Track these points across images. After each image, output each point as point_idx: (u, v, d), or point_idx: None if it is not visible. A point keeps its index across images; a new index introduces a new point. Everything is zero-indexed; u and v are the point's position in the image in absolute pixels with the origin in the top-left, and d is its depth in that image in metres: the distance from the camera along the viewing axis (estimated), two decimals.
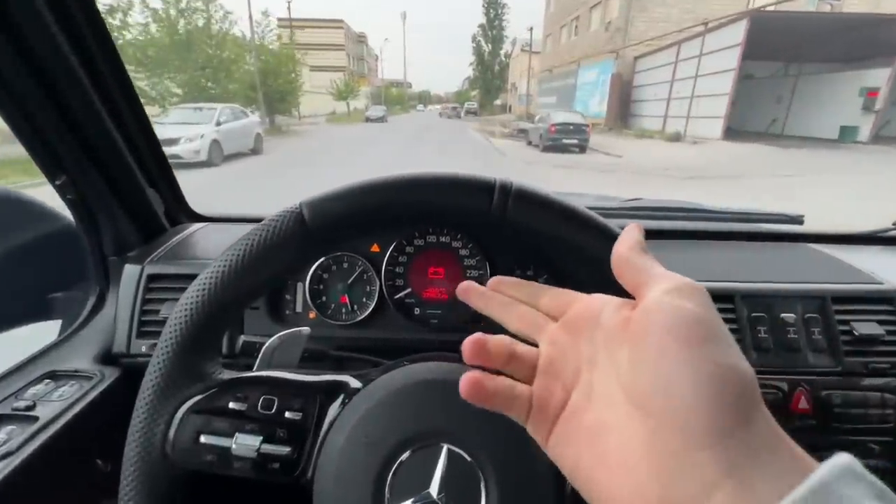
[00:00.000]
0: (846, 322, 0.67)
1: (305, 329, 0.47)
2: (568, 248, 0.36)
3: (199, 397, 0.36)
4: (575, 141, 10.81)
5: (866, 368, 0.66)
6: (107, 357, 0.65)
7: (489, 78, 49.22)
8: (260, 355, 0.44)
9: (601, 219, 0.36)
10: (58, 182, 0.65)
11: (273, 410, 0.36)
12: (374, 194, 0.36)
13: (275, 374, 0.39)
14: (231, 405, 0.36)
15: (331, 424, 0.36)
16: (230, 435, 0.35)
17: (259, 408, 0.36)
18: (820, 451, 0.18)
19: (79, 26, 0.58)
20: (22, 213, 0.75)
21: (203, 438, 0.35)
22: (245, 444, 0.35)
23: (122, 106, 0.68)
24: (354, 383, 0.39)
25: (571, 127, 10.86)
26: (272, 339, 0.45)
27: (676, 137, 13.55)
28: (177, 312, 0.36)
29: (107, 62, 0.64)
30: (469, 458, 0.34)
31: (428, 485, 0.33)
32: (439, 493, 0.33)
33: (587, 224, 0.35)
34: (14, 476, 0.46)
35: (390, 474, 0.33)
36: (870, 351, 0.66)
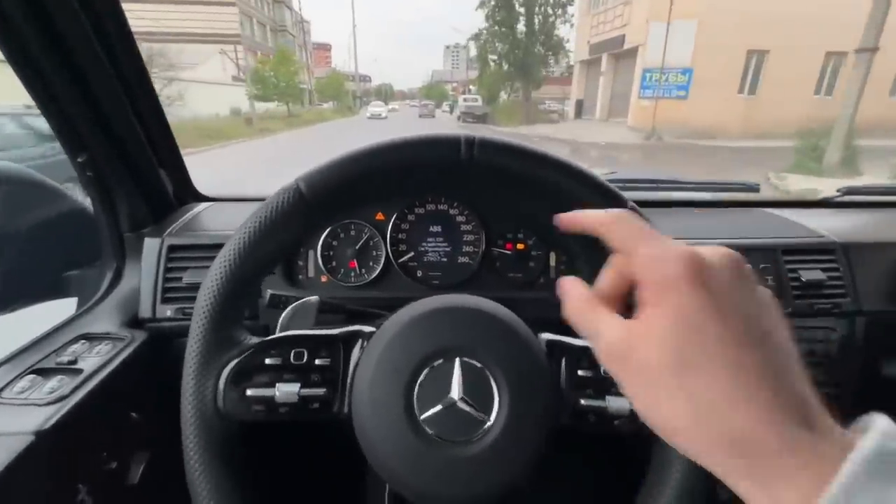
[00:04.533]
0: (794, 270, 0.77)
1: (314, 297, 0.51)
2: (528, 185, 0.42)
3: (238, 359, 0.40)
4: None
5: (812, 309, 0.76)
6: (133, 322, 0.70)
7: (522, 43, 20.71)
8: (279, 324, 0.48)
9: (549, 152, 0.42)
10: (80, 159, 0.69)
11: (304, 360, 0.41)
12: (360, 161, 0.41)
13: (298, 332, 0.43)
14: (267, 361, 0.41)
15: (356, 364, 0.42)
16: (272, 385, 0.40)
17: (292, 360, 0.41)
18: None
19: (104, 21, 0.64)
20: (36, 193, 0.78)
21: (249, 392, 0.40)
22: (286, 391, 0.40)
23: (138, 92, 0.73)
24: (368, 329, 0.44)
25: None
26: (286, 310, 0.49)
27: None
28: (204, 290, 0.40)
29: (126, 51, 0.69)
30: (480, 366, 0.40)
31: (449, 392, 0.39)
32: (460, 397, 0.39)
33: (544, 159, 0.42)
34: (68, 417, 0.50)
35: (416, 390, 0.39)
36: (814, 294, 0.76)
